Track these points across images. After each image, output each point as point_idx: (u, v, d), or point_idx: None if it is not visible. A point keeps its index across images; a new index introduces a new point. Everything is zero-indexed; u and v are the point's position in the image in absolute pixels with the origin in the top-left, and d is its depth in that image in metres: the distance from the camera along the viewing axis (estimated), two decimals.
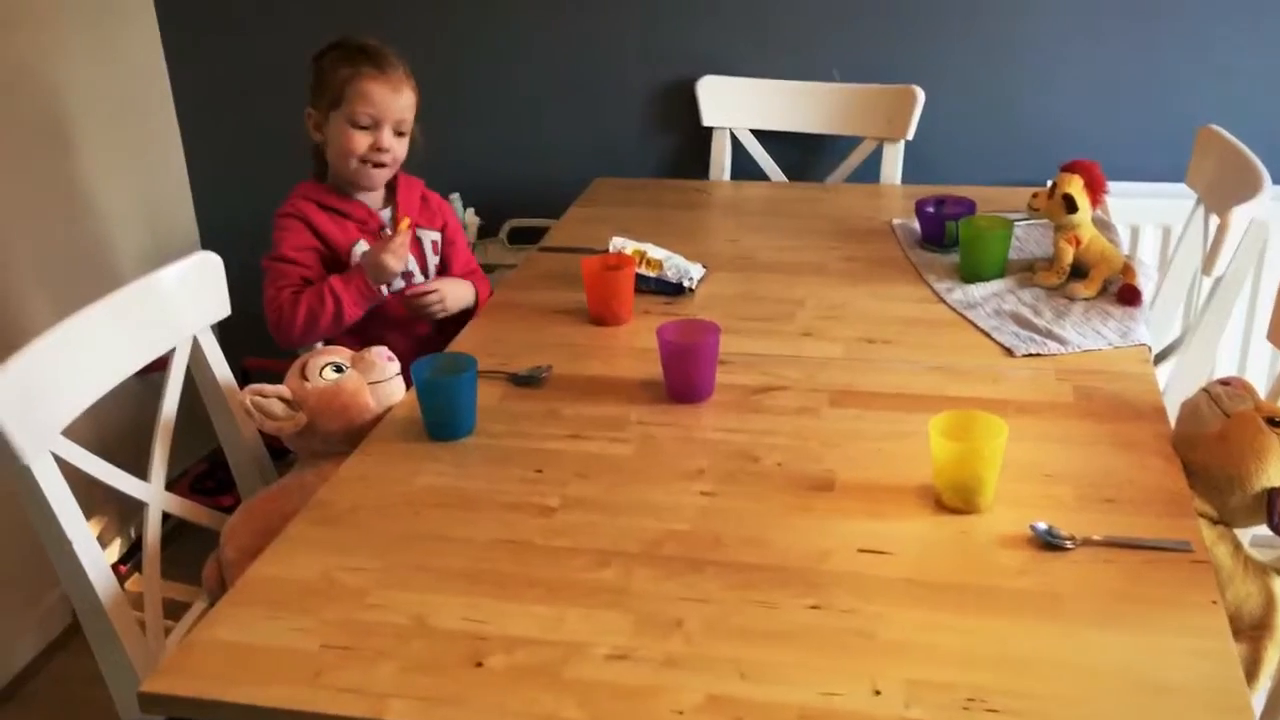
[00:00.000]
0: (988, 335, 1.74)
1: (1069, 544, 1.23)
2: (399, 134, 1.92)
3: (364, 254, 1.88)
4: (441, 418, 1.51)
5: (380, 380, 1.59)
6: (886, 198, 2.43)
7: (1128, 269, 1.84)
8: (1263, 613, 1.36)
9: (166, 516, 1.61)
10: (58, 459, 1.39)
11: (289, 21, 2.70)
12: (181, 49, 2.79)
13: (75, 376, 1.46)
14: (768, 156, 2.62)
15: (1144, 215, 2.41)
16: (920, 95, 2.46)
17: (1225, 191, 1.89)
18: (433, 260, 2.04)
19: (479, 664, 1.10)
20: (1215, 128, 2.09)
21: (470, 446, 1.50)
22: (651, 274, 1.92)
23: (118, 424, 2.13)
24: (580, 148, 2.72)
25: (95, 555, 1.41)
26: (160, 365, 1.64)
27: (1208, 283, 1.87)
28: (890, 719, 1.01)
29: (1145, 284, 1.84)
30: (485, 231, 2.73)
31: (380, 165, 1.92)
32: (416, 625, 1.16)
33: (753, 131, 2.61)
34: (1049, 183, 1.91)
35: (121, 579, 1.47)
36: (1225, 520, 1.37)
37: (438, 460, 1.47)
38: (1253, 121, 2.25)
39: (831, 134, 2.59)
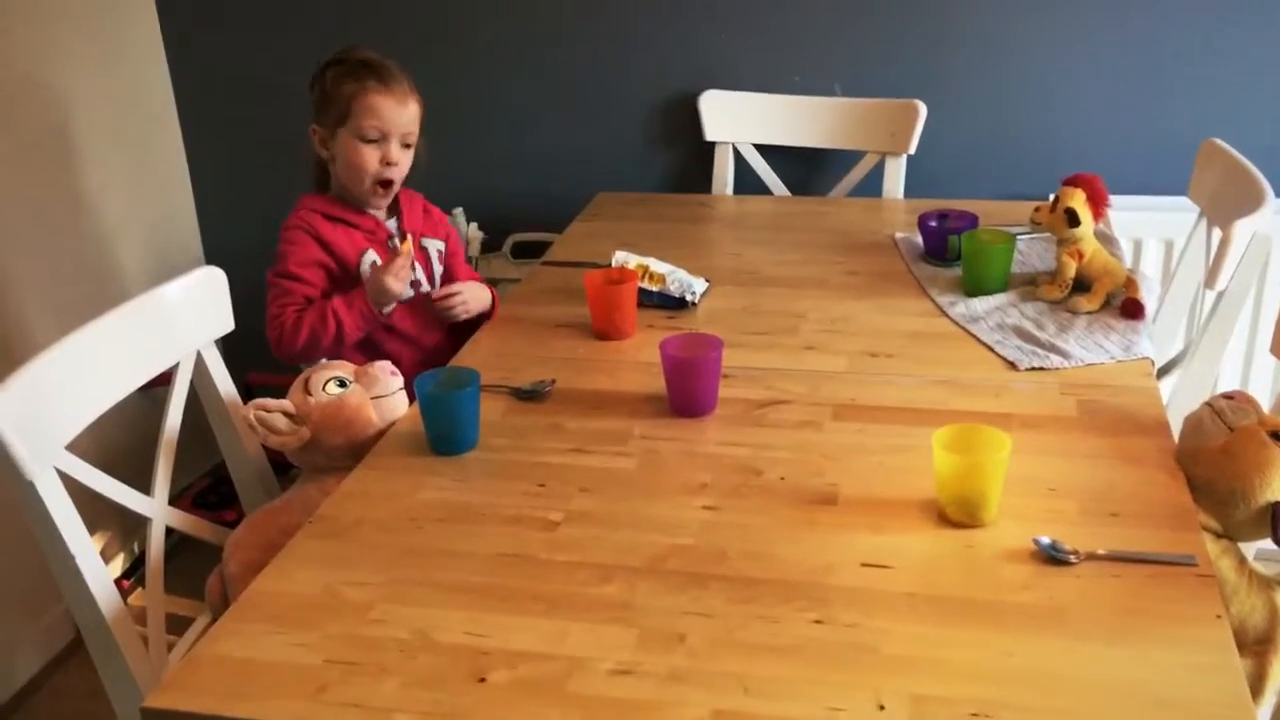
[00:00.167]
0: (991, 349, 1.74)
1: (1073, 558, 1.23)
2: (405, 146, 1.93)
3: (367, 278, 1.89)
4: (445, 432, 1.51)
5: (383, 395, 1.59)
6: (889, 212, 2.44)
7: (1130, 282, 1.84)
8: (1267, 627, 1.36)
9: (169, 531, 1.61)
10: (61, 474, 1.39)
11: (293, 36, 2.71)
12: (186, 63, 2.81)
13: (79, 392, 1.46)
14: (770, 171, 2.63)
15: (1146, 229, 2.41)
16: (922, 110, 2.46)
17: (1228, 205, 1.89)
18: (438, 270, 2.05)
19: (482, 679, 1.10)
20: (1217, 141, 2.09)
21: (473, 461, 1.50)
22: (654, 288, 1.92)
23: (121, 439, 2.14)
24: (583, 162, 2.72)
25: (98, 570, 1.41)
26: (164, 380, 1.64)
27: (1210, 296, 1.87)
28: None
29: (1148, 297, 1.84)
30: (489, 246, 2.73)
31: (389, 182, 1.93)
32: (420, 640, 1.16)
33: (755, 146, 2.62)
34: (1051, 196, 1.91)
35: (124, 594, 1.47)
36: (1229, 534, 1.37)
37: (441, 474, 1.47)
38: (1255, 135, 2.25)
39: (834, 148, 2.59)
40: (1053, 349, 1.71)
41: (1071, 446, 1.47)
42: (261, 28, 2.74)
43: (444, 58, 2.69)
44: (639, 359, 1.77)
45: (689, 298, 1.93)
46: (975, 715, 1.02)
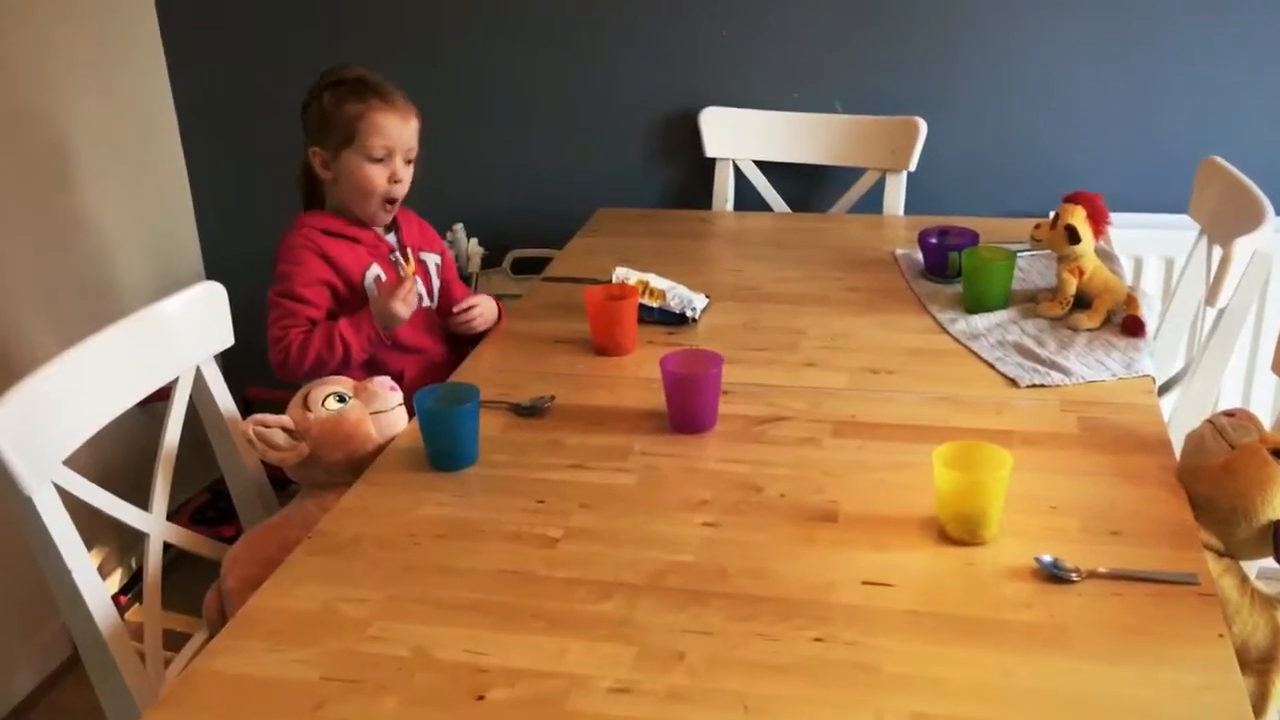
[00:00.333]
0: (991, 366, 1.74)
1: (1074, 576, 1.22)
2: (407, 162, 1.94)
3: (372, 300, 1.89)
4: (444, 448, 1.51)
5: (383, 410, 1.59)
6: (889, 228, 2.44)
7: (1131, 300, 1.84)
8: (1270, 645, 1.35)
9: (167, 547, 1.60)
10: (59, 489, 1.39)
11: (295, 53, 2.72)
12: (187, 79, 2.81)
13: (78, 407, 1.46)
14: (770, 187, 2.63)
15: (1147, 246, 2.41)
16: (923, 126, 2.47)
17: (1228, 223, 1.89)
18: (436, 283, 2.06)
19: (480, 697, 1.09)
20: (1217, 159, 2.09)
21: (473, 477, 1.50)
22: (655, 304, 1.92)
23: (120, 454, 2.13)
24: (584, 178, 2.73)
25: (96, 586, 1.41)
26: (163, 395, 1.64)
27: (1211, 314, 1.87)
28: None
29: (1149, 315, 1.84)
30: (489, 262, 2.73)
31: (395, 200, 1.94)
32: (418, 657, 1.15)
33: (755, 162, 2.62)
34: (1051, 214, 1.91)
35: (122, 610, 1.47)
36: (1231, 552, 1.37)
37: (440, 490, 1.47)
38: (1255, 153, 2.25)
39: (834, 165, 2.60)
40: (1054, 366, 1.71)
41: (1072, 464, 1.46)
42: (265, 46, 2.75)
43: (444, 74, 2.69)
44: (639, 375, 1.77)
45: (689, 314, 1.93)
46: None
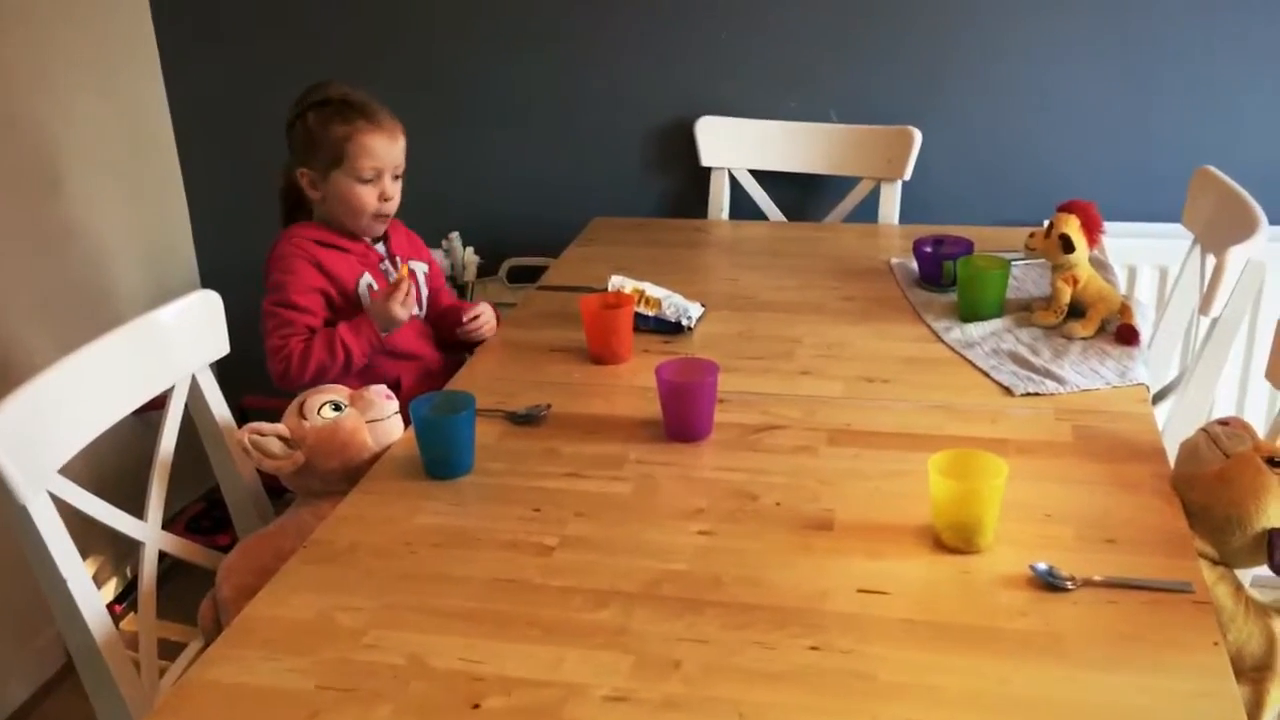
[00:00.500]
0: (986, 374, 1.74)
1: (1069, 584, 1.22)
2: (395, 178, 1.95)
3: (371, 304, 1.89)
4: (440, 456, 1.51)
5: (378, 419, 1.59)
6: (884, 237, 2.44)
7: (1125, 309, 1.85)
8: (1264, 654, 1.36)
9: (162, 556, 1.60)
10: (54, 497, 1.39)
11: (292, 63, 2.72)
12: (183, 87, 2.81)
13: (73, 415, 1.46)
14: (766, 196, 2.64)
15: (1141, 255, 2.42)
16: (918, 136, 2.47)
17: (1222, 232, 1.89)
18: (424, 291, 2.06)
19: (476, 706, 1.09)
20: (1211, 168, 2.10)
21: (468, 485, 1.50)
22: (650, 313, 1.93)
23: (115, 462, 2.13)
24: (580, 187, 2.73)
25: (90, 595, 1.41)
26: (158, 404, 1.63)
27: (1205, 323, 1.87)
28: None
29: (1143, 324, 1.84)
30: (484, 270, 2.73)
31: (385, 216, 1.94)
32: (414, 666, 1.15)
33: (751, 172, 2.63)
34: (1046, 223, 1.91)
35: (117, 619, 1.46)
36: (1226, 561, 1.37)
37: (436, 499, 1.47)
38: (1249, 162, 2.26)
39: (829, 174, 2.60)
40: (1048, 375, 1.72)
41: (1067, 472, 1.46)
42: (262, 56, 2.75)
43: (440, 83, 2.70)
44: (635, 383, 1.77)
45: (685, 322, 1.93)
46: None
